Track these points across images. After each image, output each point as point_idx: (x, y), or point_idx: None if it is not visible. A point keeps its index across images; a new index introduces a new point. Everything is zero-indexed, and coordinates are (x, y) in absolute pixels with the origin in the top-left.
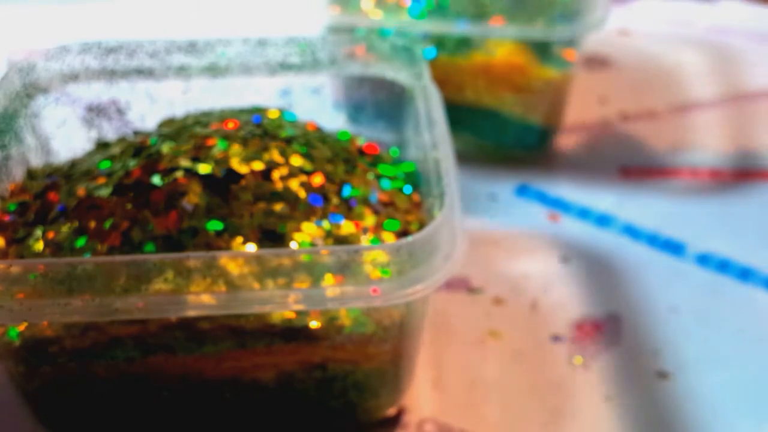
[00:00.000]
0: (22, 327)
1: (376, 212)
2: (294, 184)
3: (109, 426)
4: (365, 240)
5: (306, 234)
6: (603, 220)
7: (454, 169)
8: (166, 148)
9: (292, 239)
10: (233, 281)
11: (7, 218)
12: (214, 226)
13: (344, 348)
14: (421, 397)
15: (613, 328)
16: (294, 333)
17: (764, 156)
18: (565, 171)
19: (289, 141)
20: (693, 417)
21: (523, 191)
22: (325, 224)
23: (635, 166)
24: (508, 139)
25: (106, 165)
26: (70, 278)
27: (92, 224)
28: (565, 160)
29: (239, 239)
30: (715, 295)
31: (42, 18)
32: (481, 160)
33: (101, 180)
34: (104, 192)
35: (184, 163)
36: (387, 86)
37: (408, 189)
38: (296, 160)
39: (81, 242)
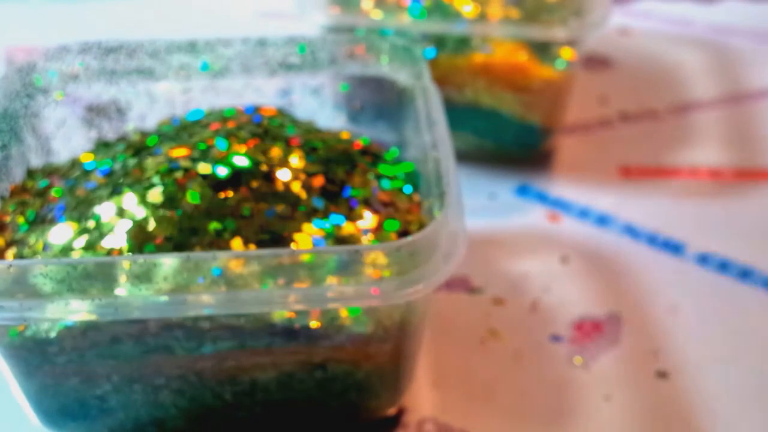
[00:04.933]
0: (22, 327)
1: (376, 212)
2: (294, 185)
3: (109, 426)
4: (365, 240)
5: (306, 234)
6: (603, 220)
7: (454, 169)
8: (166, 148)
9: (292, 240)
10: (233, 281)
11: (7, 218)
12: (214, 226)
13: (344, 348)
14: (421, 397)
15: (613, 328)
16: (294, 333)
17: (764, 156)
18: (565, 171)
19: (288, 141)
20: (693, 417)
21: (523, 191)
22: (326, 225)
23: (635, 166)
24: (508, 139)
25: (106, 165)
26: (70, 278)
27: (92, 224)
28: (565, 160)
29: (239, 239)
30: (715, 295)
31: (42, 18)
32: (481, 160)
33: (101, 180)
34: (104, 192)
35: (184, 163)
36: (387, 86)
37: (408, 189)
38: (297, 161)
39: (81, 242)
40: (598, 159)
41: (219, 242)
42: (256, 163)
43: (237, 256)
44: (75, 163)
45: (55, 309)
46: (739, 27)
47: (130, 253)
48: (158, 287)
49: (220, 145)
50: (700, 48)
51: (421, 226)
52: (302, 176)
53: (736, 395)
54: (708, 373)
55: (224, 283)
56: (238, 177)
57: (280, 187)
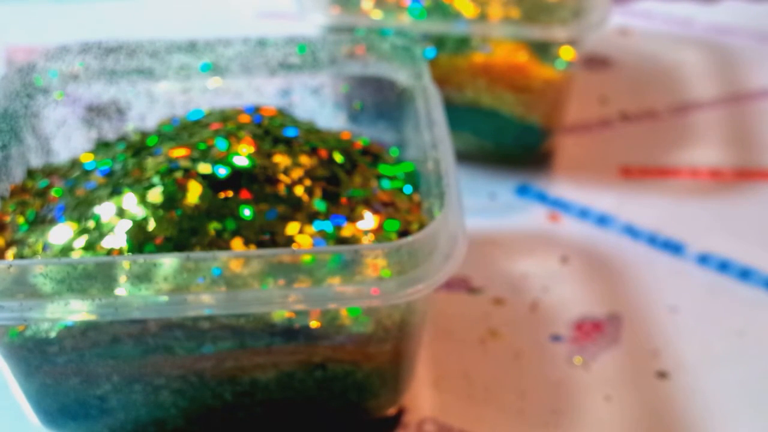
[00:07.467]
0: (22, 327)
1: (376, 212)
2: (295, 185)
3: (109, 426)
4: (366, 240)
5: (307, 234)
6: (603, 220)
7: (454, 169)
8: (166, 148)
9: (293, 240)
10: (233, 281)
11: (7, 218)
12: (214, 226)
13: (344, 348)
14: (421, 397)
15: (613, 328)
16: (294, 333)
17: (764, 156)
18: (565, 171)
19: (289, 141)
20: (693, 417)
21: (523, 191)
22: (326, 225)
23: (635, 166)
24: (508, 139)
25: (106, 165)
26: (70, 278)
27: (92, 224)
28: (565, 159)
29: (239, 240)
30: (715, 295)
31: (42, 18)
32: (481, 160)
33: (101, 180)
34: (104, 192)
35: (184, 163)
36: (387, 86)
37: (408, 189)
38: (297, 161)
39: (81, 242)
40: (598, 159)
41: (219, 242)
42: (256, 164)
43: (237, 256)
44: (75, 163)
45: (55, 309)
46: (739, 27)
47: (130, 253)
48: (158, 287)
49: (220, 145)
50: (700, 48)
51: (421, 226)
52: (302, 177)
53: (736, 395)
54: (708, 373)
55: (224, 283)
56: (238, 177)
57: (280, 187)
